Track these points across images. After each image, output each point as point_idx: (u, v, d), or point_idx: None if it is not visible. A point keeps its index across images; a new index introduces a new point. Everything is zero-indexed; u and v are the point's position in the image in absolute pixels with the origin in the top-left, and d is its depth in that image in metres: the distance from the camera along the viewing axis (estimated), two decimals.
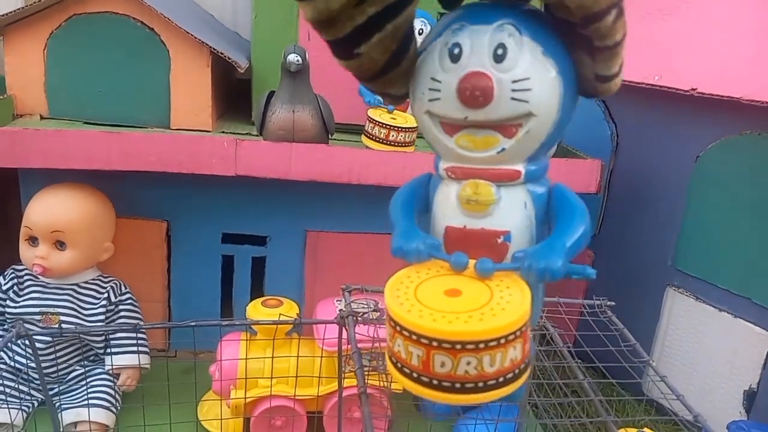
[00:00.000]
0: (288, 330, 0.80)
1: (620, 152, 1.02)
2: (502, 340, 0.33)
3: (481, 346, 0.32)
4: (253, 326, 0.80)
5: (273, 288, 0.97)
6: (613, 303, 0.63)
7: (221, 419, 0.77)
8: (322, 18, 0.33)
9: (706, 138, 0.88)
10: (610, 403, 0.88)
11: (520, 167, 0.39)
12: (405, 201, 0.43)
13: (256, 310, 0.80)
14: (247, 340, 0.80)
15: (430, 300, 0.35)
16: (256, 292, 0.97)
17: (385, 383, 0.59)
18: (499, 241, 0.39)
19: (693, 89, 0.85)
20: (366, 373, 0.56)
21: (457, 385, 0.33)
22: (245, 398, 0.76)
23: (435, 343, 0.33)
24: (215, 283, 0.97)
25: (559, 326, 0.66)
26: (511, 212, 0.39)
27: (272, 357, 0.69)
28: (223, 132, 0.99)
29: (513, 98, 0.35)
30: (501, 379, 0.34)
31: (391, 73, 0.38)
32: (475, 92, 0.35)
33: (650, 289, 0.97)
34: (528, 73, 0.36)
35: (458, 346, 0.32)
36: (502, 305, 0.34)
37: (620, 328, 0.59)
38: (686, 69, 0.88)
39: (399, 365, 0.35)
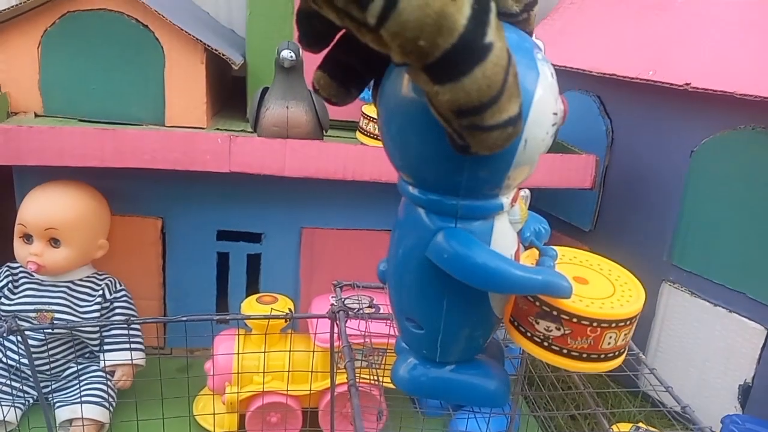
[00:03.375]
0: (283, 327, 0.80)
1: (615, 147, 1.02)
2: (631, 321, 0.39)
3: (618, 324, 0.38)
4: (248, 323, 0.80)
5: (268, 285, 0.97)
6: None
7: (213, 414, 0.77)
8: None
9: (701, 133, 0.88)
10: (606, 396, 0.88)
11: (522, 191, 0.43)
12: (511, 260, 0.39)
13: (250, 307, 0.80)
14: (241, 335, 0.80)
15: (576, 289, 0.39)
16: (252, 289, 0.97)
17: (379, 379, 0.59)
18: None
19: (687, 84, 0.84)
20: (359, 368, 0.56)
21: (594, 356, 0.39)
22: (237, 393, 0.76)
23: (629, 322, 0.39)
24: (210, 281, 0.97)
25: None
26: None
27: (263, 352, 0.69)
28: (217, 129, 0.99)
29: None
30: (619, 352, 0.40)
31: (510, 75, 0.30)
32: None
33: (646, 284, 0.96)
34: None
35: (604, 325, 0.38)
36: (627, 289, 0.40)
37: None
38: (680, 64, 0.88)
39: (585, 355, 0.39)
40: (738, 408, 0.87)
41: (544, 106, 0.34)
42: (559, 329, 0.39)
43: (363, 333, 0.57)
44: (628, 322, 0.39)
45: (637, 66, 0.91)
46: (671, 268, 0.94)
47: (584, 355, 0.39)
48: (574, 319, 0.38)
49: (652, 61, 0.91)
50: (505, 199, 0.37)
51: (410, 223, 0.38)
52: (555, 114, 0.34)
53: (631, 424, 0.76)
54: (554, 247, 0.41)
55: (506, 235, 0.38)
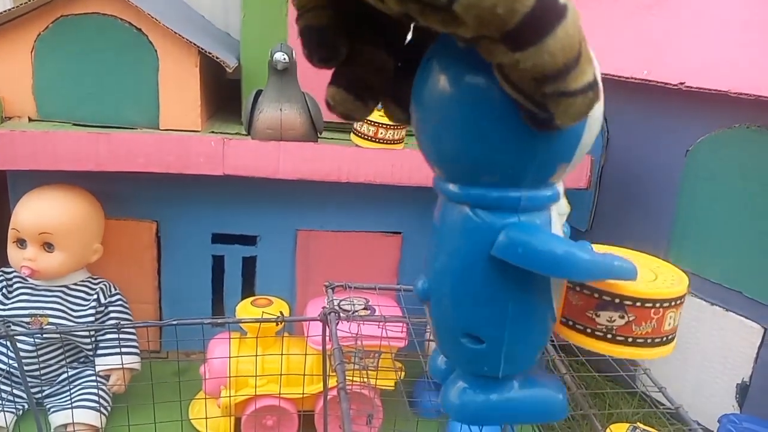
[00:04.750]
0: (278, 329, 0.80)
1: (611, 147, 1.02)
2: (682, 299, 0.39)
3: (677, 302, 0.39)
4: (243, 326, 0.80)
5: (264, 288, 0.97)
6: None
7: (206, 418, 0.77)
8: None
9: (696, 132, 0.88)
10: (603, 397, 0.88)
11: None
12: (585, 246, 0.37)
13: (245, 310, 0.80)
14: (236, 339, 0.80)
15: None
16: (247, 291, 0.97)
17: (374, 381, 0.59)
18: None
19: (681, 83, 0.84)
20: (352, 370, 0.56)
21: (658, 340, 0.39)
22: (231, 397, 0.76)
23: (680, 301, 0.39)
24: (206, 284, 0.97)
25: None
26: None
27: (255, 355, 0.69)
28: (212, 132, 0.98)
29: None
30: (674, 334, 0.40)
31: (583, 42, 0.29)
32: None
33: None
34: None
35: (666, 304, 0.38)
36: (669, 274, 0.40)
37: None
38: (674, 63, 0.88)
39: (649, 340, 0.39)
40: (735, 407, 0.87)
41: (600, 82, 0.32)
42: (623, 317, 0.38)
43: (355, 335, 0.57)
44: (681, 301, 0.39)
45: (631, 66, 0.91)
46: None
47: (649, 341, 0.39)
48: (638, 303, 0.38)
49: (647, 61, 0.90)
50: (560, 187, 0.36)
51: (458, 227, 0.35)
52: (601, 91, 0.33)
53: (629, 424, 0.75)
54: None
55: (557, 227, 0.37)
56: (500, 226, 0.34)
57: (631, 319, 0.38)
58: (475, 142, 0.33)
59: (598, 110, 0.32)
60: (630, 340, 0.38)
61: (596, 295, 0.38)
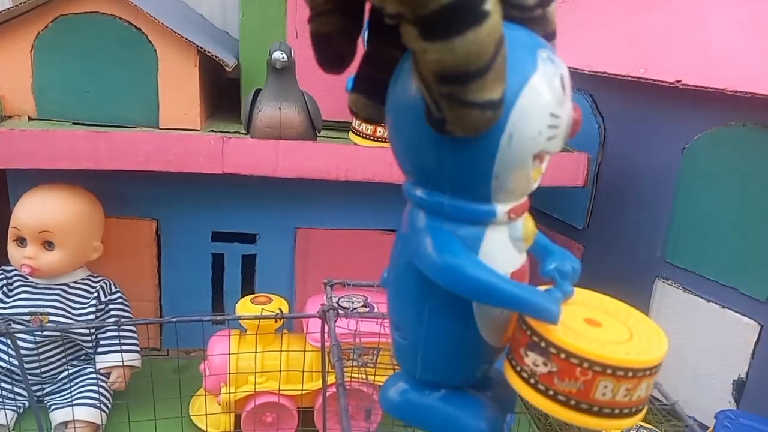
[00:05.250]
0: (278, 327, 0.80)
1: (608, 145, 1.02)
2: (635, 373, 0.34)
3: (619, 373, 0.33)
4: (242, 324, 0.80)
5: (264, 285, 0.97)
6: None
7: (206, 414, 0.78)
8: None
9: (693, 130, 0.89)
10: None
11: None
12: (489, 266, 0.35)
13: (245, 307, 0.80)
14: (236, 336, 0.81)
15: (582, 329, 0.34)
16: (247, 289, 0.98)
17: (369, 378, 0.60)
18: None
19: (678, 81, 0.85)
20: (350, 368, 0.56)
21: (584, 406, 0.34)
22: (230, 394, 0.76)
23: (630, 374, 0.33)
24: (206, 282, 0.97)
25: None
26: None
27: (255, 352, 0.69)
28: (212, 131, 0.99)
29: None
30: (620, 410, 0.34)
31: (499, 56, 0.29)
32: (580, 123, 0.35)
33: (639, 281, 0.98)
34: None
35: (597, 368, 0.33)
36: (646, 338, 0.35)
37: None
38: (671, 61, 0.88)
39: (574, 402, 0.34)
40: (732, 403, 0.87)
41: (536, 102, 0.32)
42: (546, 364, 0.34)
43: (353, 332, 0.57)
44: (629, 373, 0.33)
45: (628, 64, 0.92)
46: (664, 265, 0.94)
47: (573, 402, 0.34)
48: (562, 355, 0.33)
49: (643, 59, 0.91)
50: (500, 207, 0.35)
51: (404, 221, 0.37)
52: (554, 116, 0.33)
53: None
54: (573, 287, 0.38)
55: (502, 251, 0.36)
56: (423, 227, 0.35)
57: (553, 369, 0.34)
58: (404, 141, 0.34)
59: (528, 130, 0.32)
60: (551, 392, 0.34)
61: (528, 333, 0.35)
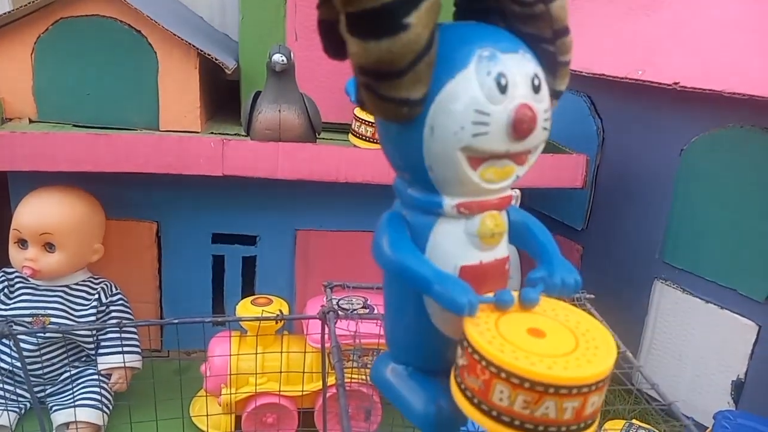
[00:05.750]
0: (278, 328, 0.81)
1: (606, 147, 1.02)
2: (593, 387, 0.32)
3: (515, 380, 0.31)
4: (243, 325, 0.81)
5: (264, 287, 0.97)
6: (592, 296, 0.64)
7: (207, 415, 0.78)
8: None
9: (691, 131, 0.89)
10: None
11: (511, 191, 0.39)
12: (416, 251, 0.37)
13: (245, 309, 0.81)
14: (237, 337, 0.81)
15: (520, 341, 0.33)
16: (248, 291, 0.98)
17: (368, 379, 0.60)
18: (507, 267, 0.39)
19: (676, 83, 0.85)
20: (350, 369, 0.57)
21: (484, 406, 0.33)
22: (231, 395, 0.77)
23: (527, 384, 0.31)
24: (206, 284, 0.98)
25: None
26: (506, 237, 0.39)
27: (255, 353, 0.70)
28: (212, 133, 0.99)
29: (544, 128, 0.35)
30: (523, 424, 0.32)
31: (422, 61, 0.31)
32: (530, 125, 0.34)
33: (638, 282, 0.98)
34: (549, 102, 0.36)
35: (551, 390, 0.31)
36: (592, 349, 0.33)
37: (598, 320, 0.59)
38: (669, 63, 0.88)
39: (476, 400, 0.34)
40: (731, 404, 0.88)
41: (458, 98, 0.33)
42: (461, 357, 0.34)
43: (353, 333, 0.57)
44: (526, 384, 0.31)
45: (626, 66, 0.92)
46: (663, 266, 0.95)
47: (476, 400, 0.33)
48: (469, 349, 0.33)
49: (641, 61, 0.91)
50: (448, 200, 0.36)
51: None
52: (481, 113, 0.33)
53: (624, 421, 0.76)
54: (540, 295, 0.37)
55: (454, 243, 0.37)
56: (385, 213, 0.38)
57: (464, 363, 0.34)
58: (379, 131, 0.37)
59: (449, 124, 0.33)
60: (462, 386, 0.34)
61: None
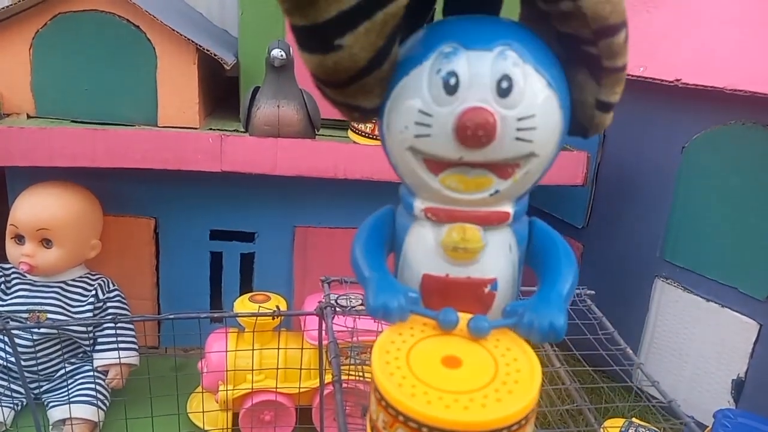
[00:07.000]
0: (275, 325, 0.80)
1: (608, 144, 1.02)
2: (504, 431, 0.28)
3: (415, 426, 0.28)
4: (241, 322, 0.80)
5: (262, 284, 0.97)
6: (592, 292, 0.63)
7: (203, 412, 0.77)
8: None
9: (692, 129, 0.89)
10: (599, 392, 0.88)
11: (509, 208, 0.34)
12: (371, 246, 0.36)
13: (243, 305, 0.80)
14: (234, 334, 0.81)
15: (425, 371, 0.30)
16: (246, 288, 0.97)
17: (370, 375, 0.59)
18: (486, 290, 0.35)
19: (677, 80, 0.85)
20: (348, 365, 0.56)
21: None
22: (228, 392, 0.76)
23: (425, 429, 0.28)
24: (204, 280, 0.97)
25: None
26: (497, 257, 0.35)
27: (252, 350, 0.69)
28: (211, 129, 0.99)
29: (518, 138, 0.31)
30: None
31: (369, 77, 0.31)
32: (477, 131, 0.30)
33: (639, 281, 0.97)
34: (533, 110, 0.31)
35: (384, 403, 0.29)
36: (509, 385, 0.29)
37: (599, 317, 0.59)
38: (670, 60, 0.88)
39: None
40: (731, 402, 0.87)
41: (404, 97, 0.32)
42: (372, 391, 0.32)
43: (351, 330, 0.57)
44: (401, 417, 0.28)
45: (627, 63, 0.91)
46: (664, 264, 0.94)
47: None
48: (372, 383, 0.31)
49: (643, 58, 0.91)
50: (417, 202, 0.34)
51: None
52: (424, 113, 0.31)
53: (624, 420, 0.76)
54: (490, 329, 0.33)
55: (423, 251, 0.35)
56: (384, 208, 0.39)
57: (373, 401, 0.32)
58: None
59: (397, 123, 0.33)
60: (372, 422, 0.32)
61: None
